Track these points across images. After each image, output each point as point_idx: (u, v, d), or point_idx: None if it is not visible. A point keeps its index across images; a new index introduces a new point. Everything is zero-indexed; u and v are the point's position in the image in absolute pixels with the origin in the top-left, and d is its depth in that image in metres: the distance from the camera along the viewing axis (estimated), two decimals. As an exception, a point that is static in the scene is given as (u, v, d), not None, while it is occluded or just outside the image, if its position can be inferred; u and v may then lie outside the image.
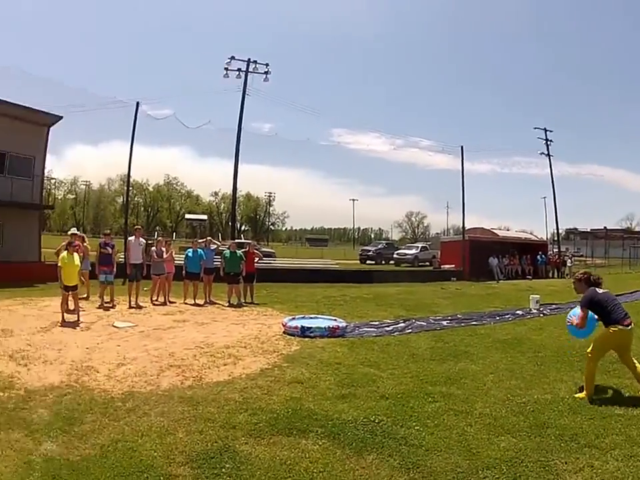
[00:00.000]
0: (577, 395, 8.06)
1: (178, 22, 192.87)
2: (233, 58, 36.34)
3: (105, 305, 16.58)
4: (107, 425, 6.46)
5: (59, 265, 14.08)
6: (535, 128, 54.28)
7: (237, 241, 27.57)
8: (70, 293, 14.07)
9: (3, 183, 27.05)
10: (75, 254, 14.34)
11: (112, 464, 5.39)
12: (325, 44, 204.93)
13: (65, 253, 14.12)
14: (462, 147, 41.86)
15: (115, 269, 16.99)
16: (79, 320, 13.67)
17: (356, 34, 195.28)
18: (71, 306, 14.30)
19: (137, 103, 32.62)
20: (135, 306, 16.79)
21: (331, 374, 9.05)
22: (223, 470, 5.32)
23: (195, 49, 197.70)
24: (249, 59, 36.29)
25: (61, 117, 30.05)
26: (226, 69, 36.31)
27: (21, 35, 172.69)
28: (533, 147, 53.61)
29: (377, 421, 6.69)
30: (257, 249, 23.53)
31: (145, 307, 16.83)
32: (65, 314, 13.81)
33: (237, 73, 36.31)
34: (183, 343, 11.59)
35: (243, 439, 6.11)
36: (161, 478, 5.14)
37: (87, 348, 10.73)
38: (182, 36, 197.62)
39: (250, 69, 36.39)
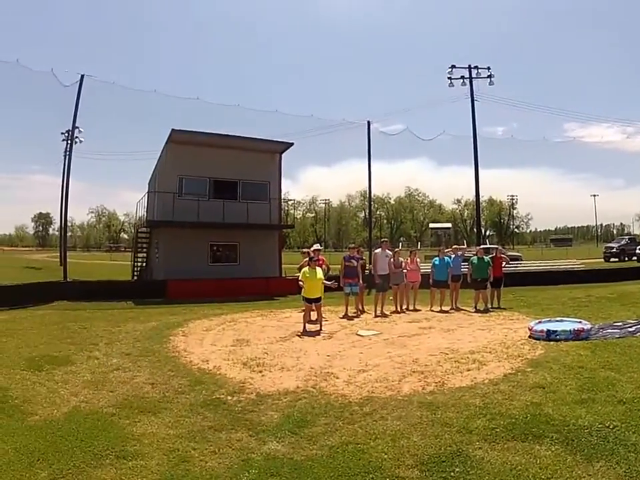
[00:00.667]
0: None
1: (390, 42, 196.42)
2: (453, 67, 36.73)
3: (350, 314, 16.88)
4: (340, 427, 6.52)
5: (301, 278, 14.64)
6: None
7: (483, 246, 27.20)
8: (314, 304, 14.47)
9: (238, 208, 29.36)
10: (318, 268, 14.92)
11: (337, 464, 5.44)
12: (540, 40, 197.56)
13: (307, 268, 14.74)
14: None
15: (360, 281, 17.37)
16: (321, 329, 14.05)
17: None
18: (314, 316, 14.72)
19: (368, 122, 33.94)
20: (380, 315, 16.97)
21: (572, 378, 8.59)
22: (452, 474, 5.24)
23: (409, 63, 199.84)
24: (470, 65, 36.43)
25: (292, 144, 31.89)
26: (449, 78, 36.76)
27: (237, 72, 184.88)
28: None
29: (610, 427, 6.35)
30: (503, 254, 22.94)
31: (390, 316, 16.91)
32: (307, 324, 14.26)
33: (461, 80, 36.53)
34: (428, 349, 11.48)
35: (478, 443, 6.02)
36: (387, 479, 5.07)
37: (328, 355, 10.97)
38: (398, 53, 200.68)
39: (473, 75, 36.42)
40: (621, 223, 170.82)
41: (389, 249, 18.89)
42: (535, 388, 8.09)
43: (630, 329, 12.99)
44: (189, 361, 10.62)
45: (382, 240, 21.51)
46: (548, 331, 12.19)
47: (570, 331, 12.12)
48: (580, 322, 13.14)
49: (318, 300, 14.53)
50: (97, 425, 6.80)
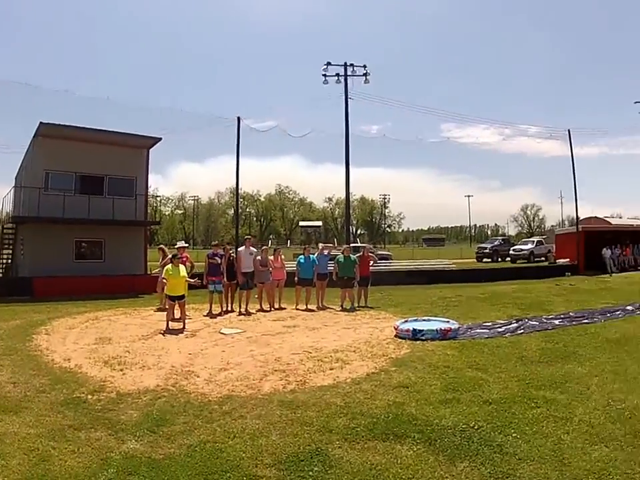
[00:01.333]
0: None
1: (269, 35, 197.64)
2: (329, 64, 36.42)
3: (214, 312, 16.76)
4: (199, 426, 6.48)
5: (164, 276, 14.47)
6: (636, 102, 51.23)
7: (351, 245, 27.51)
8: (177, 302, 14.31)
9: (104, 204, 28.69)
10: (181, 265, 14.77)
11: (195, 463, 5.40)
12: (422, 39, 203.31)
13: (170, 265, 14.53)
14: (569, 131, 39.80)
15: (224, 279, 17.25)
16: (184, 327, 13.89)
17: (447, 27, 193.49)
18: (177, 314, 14.55)
19: (238, 118, 33.75)
20: (244, 313, 16.92)
21: (437, 378, 8.80)
22: (310, 473, 5.25)
23: (289, 60, 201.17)
24: (346, 63, 36.25)
25: (160, 139, 31.42)
26: (324, 75, 36.53)
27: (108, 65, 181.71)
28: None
29: (475, 427, 6.50)
30: (371, 252, 23.33)
31: (254, 314, 16.89)
32: (170, 322, 14.06)
33: (336, 78, 36.42)
34: (291, 347, 11.53)
35: (338, 442, 6.04)
36: (244, 478, 5.09)
37: (190, 353, 10.88)
38: (274, 48, 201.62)
39: (348, 73, 36.37)
40: (496, 224, 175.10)
41: (252, 246, 18.80)
42: (398, 387, 8.24)
43: (499, 329, 13.48)
44: (50, 359, 10.31)
45: (245, 237, 21.35)
46: (414, 330, 12.39)
47: (436, 330, 12.40)
48: (448, 321, 13.54)
49: (181, 298, 14.37)
50: (-49, 424, 6.52)
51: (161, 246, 20.88)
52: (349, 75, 36.23)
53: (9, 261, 31.83)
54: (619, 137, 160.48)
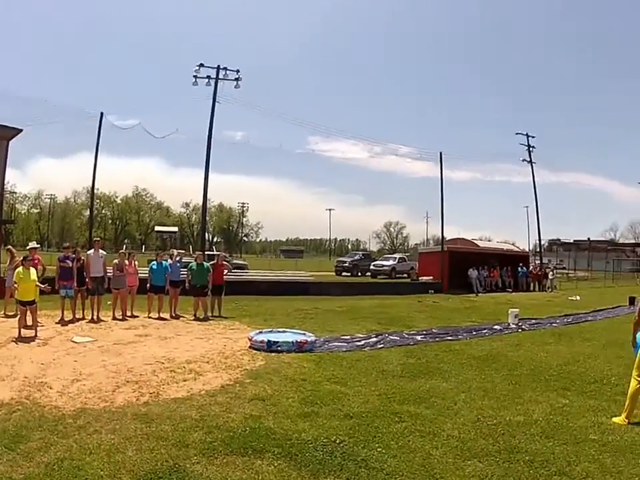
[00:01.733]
0: (615, 420, 8.03)
1: (142, 29, 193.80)
2: (202, 65, 36.03)
3: (66, 319, 16.36)
4: (55, 442, 6.37)
5: (15, 280, 14.09)
6: (517, 133, 53.98)
7: (205, 252, 27.48)
8: (27, 307, 13.91)
9: None
10: (32, 269, 14.30)
11: None
12: (298, 50, 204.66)
13: (20, 269, 14.05)
14: (440, 153, 41.88)
15: (75, 283, 16.78)
16: (36, 335, 13.55)
17: (330, 39, 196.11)
18: (29, 321, 14.12)
19: (101, 114, 32.86)
20: (96, 320, 16.66)
21: (294, 391, 9.02)
22: None
23: (161, 58, 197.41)
24: (219, 66, 36.02)
25: (21, 130, 29.56)
26: (195, 76, 36.03)
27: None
28: (516, 154, 52.89)
29: (337, 442, 6.63)
30: (227, 261, 23.44)
31: (107, 322, 16.64)
32: (22, 329, 13.66)
33: (207, 80, 36.06)
34: (143, 358, 11.49)
35: (195, 458, 6.05)
36: (104, 498, 5.03)
37: (42, 364, 10.62)
38: (147, 45, 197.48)
39: (220, 76, 36.10)
40: (357, 239, 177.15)
41: (102, 249, 18.49)
42: (254, 400, 8.40)
43: (358, 343, 13.83)
44: None
45: (94, 239, 21.01)
46: (269, 341, 12.54)
47: (292, 342, 12.57)
48: (304, 334, 13.72)
49: (32, 303, 13.97)
50: None
51: (9, 247, 20.21)
52: (221, 79, 36.00)
53: None
54: (495, 163, 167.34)
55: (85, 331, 14.92)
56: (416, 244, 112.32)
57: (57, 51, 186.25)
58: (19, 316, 14.02)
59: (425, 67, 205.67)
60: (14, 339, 13.09)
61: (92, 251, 18.16)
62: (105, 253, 18.48)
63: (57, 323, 15.86)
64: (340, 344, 13.73)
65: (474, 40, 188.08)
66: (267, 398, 8.54)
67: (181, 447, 6.36)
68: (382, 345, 13.74)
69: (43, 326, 14.81)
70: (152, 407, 7.93)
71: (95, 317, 16.91)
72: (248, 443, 6.50)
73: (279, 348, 12.36)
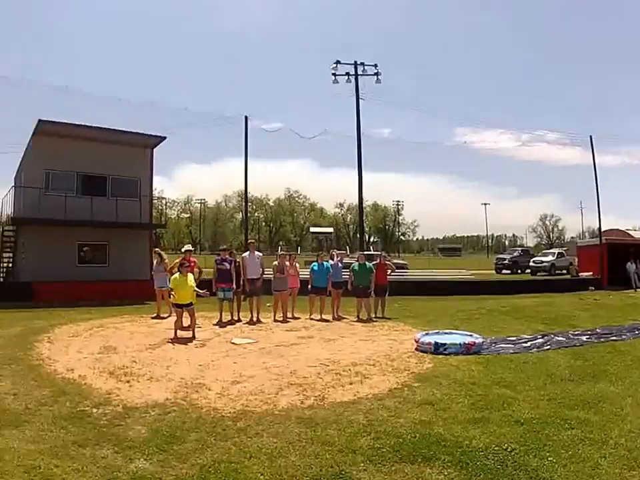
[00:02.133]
0: None
1: (274, 31, 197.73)
2: (338, 62, 35.89)
3: (224, 321, 16.65)
4: (212, 444, 6.26)
5: (171, 286, 14.41)
6: None
7: (365, 252, 27.29)
8: (184, 309, 14.13)
9: (108, 205, 28.61)
10: (189, 274, 14.56)
11: None
12: (436, 41, 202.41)
13: (177, 275, 14.38)
14: (591, 137, 38.92)
15: (234, 285, 17.08)
16: (193, 337, 13.77)
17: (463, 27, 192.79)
18: (186, 323, 14.35)
19: (246, 117, 33.41)
20: (255, 322, 16.83)
21: (464, 395, 8.56)
22: None
23: (298, 59, 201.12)
24: (356, 62, 35.79)
25: (164, 138, 31.27)
26: (334, 74, 35.97)
27: (111, 62, 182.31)
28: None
29: (509, 450, 6.24)
30: (388, 261, 23.09)
31: (267, 323, 16.77)
32: (178, 331, 13.93)
33: (346, 77, 35.91)
34: (307, 360, 11.32)
35: (362, 465, 5.78)
36: (264, 503, 4.83)
37: (200, 365, 10.68)
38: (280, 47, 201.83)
39: (359, 72, 35.85)
40: (513, 234, 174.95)
41: (257, 251, 18.70)
42: (423, 405, 7.98)
43: (525, 344, 13.14)
44: (53, 369, 10.14)
45: (249, 241, 21.20)
46: (436, 343, 12.10)
47: (460, 344, 12.09)
48: (471, 335, 13.19)
49: (189, 305, 14.16)
50: (-51, 439, 6.36)
51: (157, 249, 20.81)
52: (360, 75, 35.77)
53: (10, 265, 31.78)
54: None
55: (245, 332, 15.06)
56: (572, 237, 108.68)
57: (198, 60, 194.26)
58: (175, 318, 14.29)
59: (569, 46, 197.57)
60: (170, 340, 13.35)
61: (247, 253, 18.42)
62: (261, 254, 18.78)
63: (214, 325, 16.15)
64: (506, 345, 13.15)
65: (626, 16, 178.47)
66: (436, 402, 8.13)
67: (348, 452, 6.09)
68: (548, 347, 13.03)
69: (200, 327, 15.04)
70: (317, 411, 7.67)
71: (254, 319, 17.10)
72: (417, 449, 6.18)
73: (446, 350, 11.93)
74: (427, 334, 13.21)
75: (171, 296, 14.60)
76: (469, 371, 10.22)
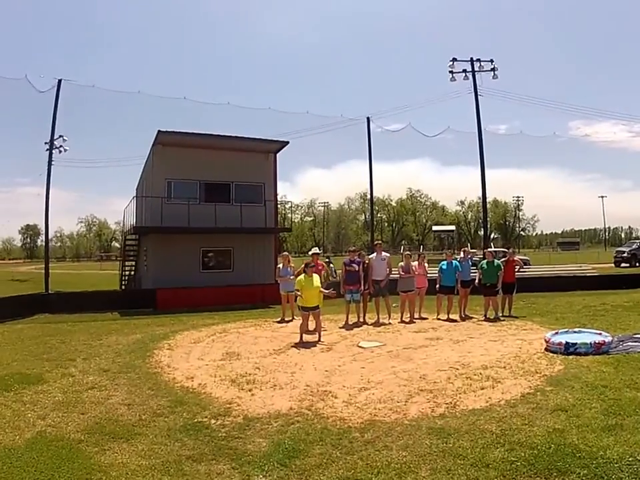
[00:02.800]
0: None
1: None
2: (455, 60, 35.26)
3: (351, 324, 16.38)
4: (338, 458, 5.94)
5: (296, 287, 14.23)
6: None
7: (492, 249, 26.65)
8: (310, 312, 13.93)
9: (232, 211, 29.03)
10: (315, 275, 14.36)
11: None
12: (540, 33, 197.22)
13: (302, 276, 14.20)
14: None
15: (362, 287, 16.90)
16: (319, 340, 13.57)
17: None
18: (312, 326, 14.17)
19: (368, 119, 33.23)
20: (382, 323, 16.48)
21: (596, 399, 7.96)
22: None
23: (409, 58, 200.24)
24: (472, 58, 34.99)
25: (287, 142, 31.58)
26: (451, 72, 35.28)
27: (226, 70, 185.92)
28: None
29: None
30: (520, 259, 22.38)
31: (394, 325, 16.41)
32: (304, 335, 13.73)
33: (463, 74, 35.14)
34: (436, 363, 10.89)
35: None
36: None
37: (326, 370, 10.39)
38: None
39: (475, 69, 35.04)
40: (630, 226, 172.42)
41: (384, 251, 18.36)
42: (556, 411, 7.47)
43: None
44: (171, 377, 10.08)
45: (376, 242, 20.88)
46: (567, 343, 11.52)
47: (590, 343, 11.44)
48: (600, 333, 12.49)
49: (315, 308, 13.93)
50: (60, 453, 6.29)
51: (285, 253, 20.73)
52: (477, 71, 35.01)
53: (132, 272, 32.82)
54: None
55: (372, 335, 14.71)
56: None
57: (312, 66, 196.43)
58: (301, 321, 14.07)
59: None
60: (295, 345, 13.14)
61: (374, 254, 18.15)
62: (388, 255, 18.35)
63: (341, 328, 15.86)
64: (634, 344, 12.33)
65: None
66: (569, 408, 7.58)
67: (481, 466, 5.70)
68: None
69: (326, 330, 14.82)
70: (449, 420, 7.22)
71: (380, 320, 16.77)
72: (552, 462, 5.74)
73: (577, 350, 11.33)
74: (556, 333, 12.68)
75: (297, 298, 14.48)
76: (600, 373, 9.61)
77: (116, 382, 9.74)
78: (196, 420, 7.45)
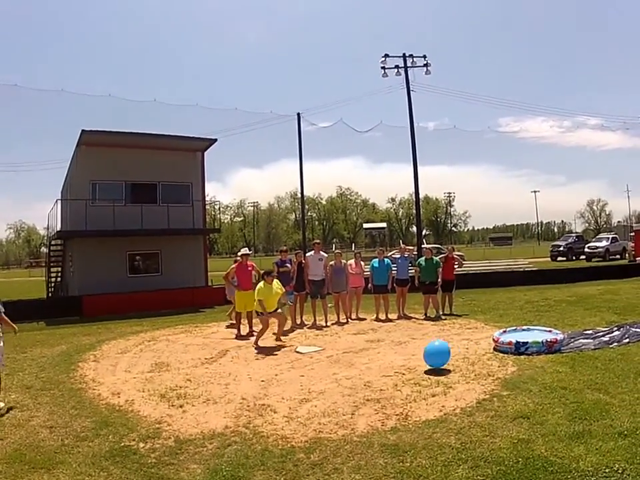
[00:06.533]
0: None
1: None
2: (387, 55, 34.89)
3: (286, 328, 15.45)
4: None
5: (258, 297, 13.55)
6: None
7: (429, 246, 26.51)
8: (273, 314, 13.74)
9: (159, 213, 28.34)
10: (275, 281, 13.98)
11: None
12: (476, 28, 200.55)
13: (262, 284, 13.71)
14: None
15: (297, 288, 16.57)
16: (256, 346, 13.12)
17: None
18: (244, 331, 14.08)
19: (298, 114, 32.89)
20: (319, 326, 16.04)
21: (557, 403, 7.59)
22: None
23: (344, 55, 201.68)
24: (404, 54, 34.74)
25: (215, 140, 31.15)
26: (383, 67, 35.00)
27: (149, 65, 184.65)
28: None
29: (620, 471, 5.36)
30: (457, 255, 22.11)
31: (331, 327, 15.96)
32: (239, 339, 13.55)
33: (396, 70, 34.90)
34: (380, 368, 10.37)
35: None
36: None
37: (263, 381, 9.78)
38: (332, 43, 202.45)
39: (408, 64, 34.81)
40: (562, 221, 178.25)
41: (322, 251, 17.83)
42: (517, 418, 7.00)
43: (604, 339, 12.24)
44: (97, 394, 9.30)
45: (314, 242, 20.33)
46: (517, 342, 11.16)
47: (542, 342, 11.11)
48: (550, 331, 12.25)
49: (276, 310, 13.80)
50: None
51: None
52: (409, 67, 34.77)
53: (58, 279, 31.83)
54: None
55: (310, 339, 14.25)
56: (619, 221, 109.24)
57: (244, 59, 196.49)
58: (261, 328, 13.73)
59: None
60: (228, 352, 12.62)
61: (311, 252, 17.70)
62: (325, 255, 17.82)
63: (274, 334, 15.00)
64: (586, 340, 12.25)
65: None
66: (530, 415, 7.15)
67: None
68: (627, 339, 12.15)
69: (256, 332, 14.28)
70: (402, 434, 6.63)
71: (317, 323, 16.36)
72: (523, 479, 5.32)
73: (528, 349, 11.04)
74: (504, 332, 12.42)
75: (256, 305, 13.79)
76: (557, 373, 9.30)
77: (38, 400, 8.98)
78: (123, 444, 6.71)
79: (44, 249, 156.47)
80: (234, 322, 16.46)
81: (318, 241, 21.42)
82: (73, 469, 5.96)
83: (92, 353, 13.26)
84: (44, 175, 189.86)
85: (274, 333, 14.60)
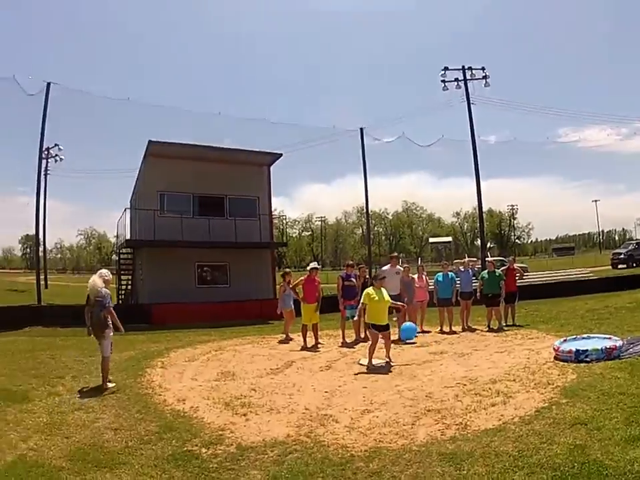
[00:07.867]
0: None
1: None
2: (446, 69, 35.47)
3: (347, 341, 15.63)
4: None
5: (364, 302, 12.41)
6: None
7: (492, 258, 26.32)
8: (381, 333, 12.42)
9: (226, 225, 28.69)
10: (383, 289, 12.68)
11: None
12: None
13: (371, 288, 12.61)
14: None
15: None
16: (370, 363, 12.29)
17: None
18: (310, 343, 14.03)
19: (361, 130, 33.02)
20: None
21: (615, 409, 7.43)
22: None
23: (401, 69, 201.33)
24: (464, 66, 35.17)
25: (280, 155, 31.67)
26: (443, 81, 35.51)
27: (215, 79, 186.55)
28: None
29: None
30: (519, 266, 21.95)
31: (395, 340, 15.47)
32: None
33: (456, 83, 35.27)
34: (442, 379, 10.32)
35: None
36: None
37: (326, 392, 9.78)
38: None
39: (467, 77, 35.16)
40: (623, 229, 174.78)
41: (399, 265, 17.69)
42: (575, 425, 6.89)
43: None
44: (162, 399, 9.44)
45: (391, 255, 20.09)
46: (577, 350, 11.00)
47: (601, 349, 10.93)
48: (609, 338, 12.06)
49: (386, 328, 12.48)
50: (39, 481, 5.75)
51: (287, 270, 20.10)
52: (469, 79, 35.15)
53: (129, 287, 32.30)
54: None
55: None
56: None
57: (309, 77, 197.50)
58: (371, 344, 12.56)
59: None
60: (294, 363, 12.63)
61: (388, 266, 17.34)
62: (401, 269, 17.51)
63: (340, 346, 15.20)
64: None
65: None
66: (588, 421, 7.01)
67: None
68: None
69: (323, 345, 14.63)
70: (460, 443, 6.60)
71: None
72: None
73: (587, 357, 10.84)
74: (564, 340, 12.24)
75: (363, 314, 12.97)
76: (615, 379, 9.07)
77: (104, 403, 9.17)
78: (185, 448, 6.83)
79: (114, 257, 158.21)
80: (286, 336, 16.69)
81: (395, 254, 20.98)
82: (135, 470, 6.11)
83: (160, 360, 13.46)
84: (115, 183, 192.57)
85: (340, 345, 14.78)
